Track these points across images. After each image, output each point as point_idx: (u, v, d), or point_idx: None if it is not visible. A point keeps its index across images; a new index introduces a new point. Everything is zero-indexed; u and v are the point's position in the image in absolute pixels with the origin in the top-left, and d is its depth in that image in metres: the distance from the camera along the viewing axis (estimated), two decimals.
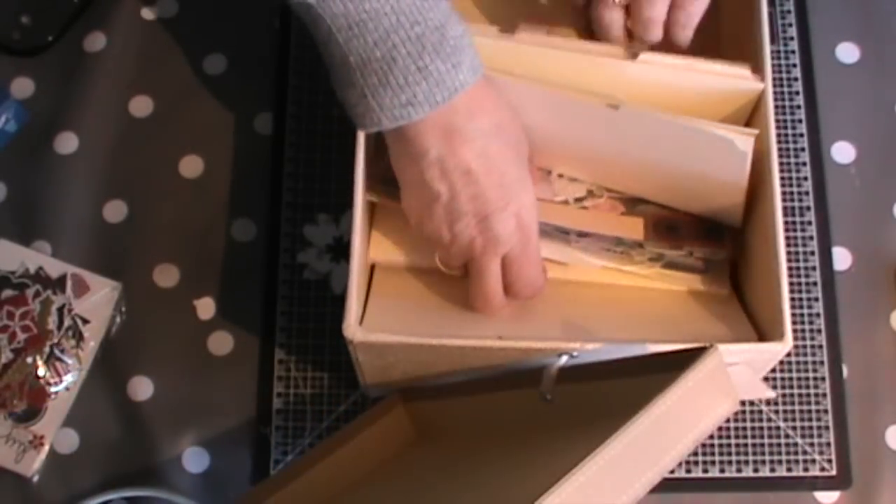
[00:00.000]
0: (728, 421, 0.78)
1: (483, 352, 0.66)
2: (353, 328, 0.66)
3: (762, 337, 0.70)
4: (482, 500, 0.56)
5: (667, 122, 0.68)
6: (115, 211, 0.83)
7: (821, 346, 0.80)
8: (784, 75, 0.87)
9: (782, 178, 0.78)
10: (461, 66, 0.64)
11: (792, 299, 0.80)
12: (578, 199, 0.77)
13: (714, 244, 0.76)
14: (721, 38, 0.80)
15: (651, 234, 0.75)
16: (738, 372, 0.67)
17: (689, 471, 0.77)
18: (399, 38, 0.63)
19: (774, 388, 0.78)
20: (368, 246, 0.75)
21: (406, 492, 0.67)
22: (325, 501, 0.72)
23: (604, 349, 0.64)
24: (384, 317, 0.70)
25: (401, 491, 0.68)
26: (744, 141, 0.67)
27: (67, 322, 0.78)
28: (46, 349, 0.77)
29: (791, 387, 0.79)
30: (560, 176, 0.78)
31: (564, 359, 0.64)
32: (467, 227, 0.68)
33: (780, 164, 0.74)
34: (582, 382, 0.62)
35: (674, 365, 0.53)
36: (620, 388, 0.59)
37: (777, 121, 0.73)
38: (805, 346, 0.80)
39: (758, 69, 0.71)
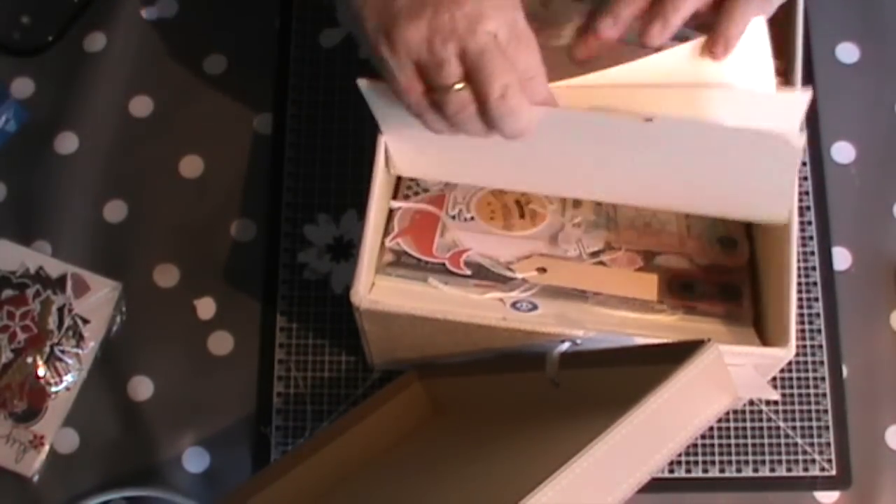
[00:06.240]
0: (728, 421, 0.78)
1: (487, 330, 0.66)
2: (360, 295, 0.66)
3: (766, 342, 0.70)
4: (492, 483, 0.56)
5: (708, 128, 0.63)
6: (115, 211, 0.83)
7: (821, 346, 0.80)
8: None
9: None
10: None
11: None
12: (594, 254, 0.74)
13: (730, 304, 0.73)
14: None
15: (665, 294, 0.73)
16: (743, 371, 0.67)
17: (689, 471, 0.77)
18: None
19: (774, 388, 0.78)
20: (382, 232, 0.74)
21: (422, 468, 0.67)
22: (346, 474, 0.72)
23: (606, 338, 0.64)
24: (392, 288, 0.70)
25: (418, 466, 0.68)
26: (797, 136, 0.62)
27: (67, 322, 0.78)
28: (46, 349, 0.77)
29: (791, 387, 0.79)
30: (576, 226, 0.75)
31: (567, 345, 0.64)
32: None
33: None
34: (586, 368, 0.63)
35: (675, 356, 0.53)
36: (624, 376, 0.59)
37: None
38: (805, 346, 0.80)
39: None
